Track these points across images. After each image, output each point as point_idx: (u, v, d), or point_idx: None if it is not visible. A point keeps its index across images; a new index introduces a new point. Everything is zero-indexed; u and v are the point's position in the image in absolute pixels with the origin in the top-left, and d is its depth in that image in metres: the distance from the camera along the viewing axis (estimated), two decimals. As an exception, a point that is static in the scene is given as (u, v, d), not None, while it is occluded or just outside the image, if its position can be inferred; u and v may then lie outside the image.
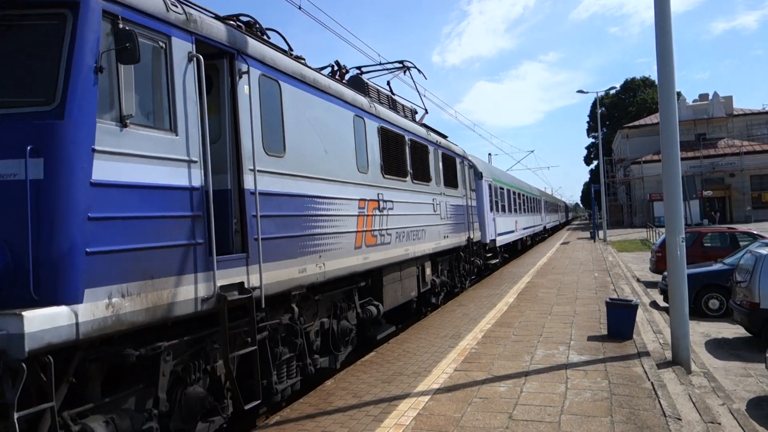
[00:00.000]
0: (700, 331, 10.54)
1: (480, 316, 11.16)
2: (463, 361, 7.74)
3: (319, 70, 7.86)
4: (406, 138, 10.39)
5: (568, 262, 22.31)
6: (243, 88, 5.41)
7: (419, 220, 10.63)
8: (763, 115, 56.23)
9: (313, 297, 6.92)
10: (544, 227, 42.24)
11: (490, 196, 18.81)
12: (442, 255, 12.94)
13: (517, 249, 27.22)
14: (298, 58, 7.19)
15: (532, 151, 55.55)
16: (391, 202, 9.21)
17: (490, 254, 19.05)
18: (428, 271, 11.64)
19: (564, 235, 48.58)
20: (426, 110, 13.77)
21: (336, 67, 9.42)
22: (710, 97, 57.40)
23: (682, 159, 8.78)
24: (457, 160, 14.77)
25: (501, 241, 20.40)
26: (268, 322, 5.75)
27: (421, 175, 11.15)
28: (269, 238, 5.62)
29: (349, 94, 8.15)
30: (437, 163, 12.54)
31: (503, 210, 21.79)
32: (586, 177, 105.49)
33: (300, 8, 9.84)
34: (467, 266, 15.55)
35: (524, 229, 28.43)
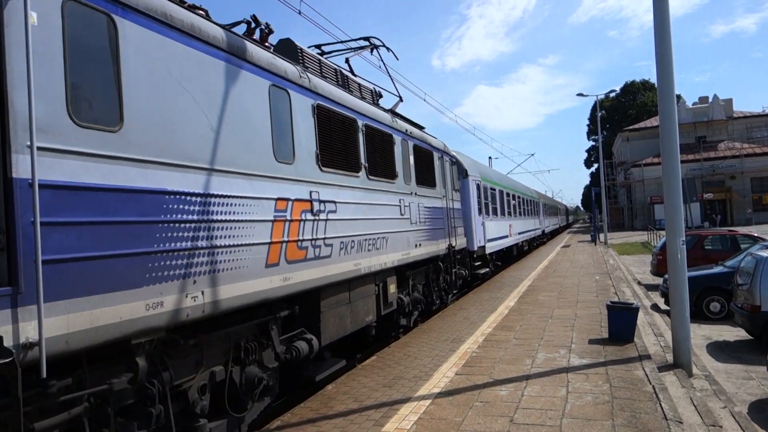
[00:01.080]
0: (702, 334, 10.52)
1: (481, 319, 11.15)
2: (464, 364, 7.73)
3: (229, 27, 5.85)
4: (360, 123, 8.23)
5: (569, 265, 22.29)
6: (14, 10, 3.38)
7: (378, 226, 8.52)
8: (763, 118, 56.27)
9: (189, 341, 4.81)
10: (543, 231, 40.16)
11: (479, 197, 16.94)
12: (415, 267, 10.87)
13: (512, 255, 25.18)
14: (193, 8, 5.23)
15: (532, 155, 55.53)
16: (334, 203, 7.15)
17: (478, 263, 17.24)
18: (392, 288, 9.51)
19: (565, 239, 48.54)
20: (400, 97, 11.83)
21: (253, 24, 6.68)
22: (710, 100, 57.49)
23: (683, 162, 8.80)
24: (435, 155, 12.53)
25: (492, 247, 18.42)
26: (85, 391, 3.84)
27: (382, 170, 8.98)
28: (72, 259, 3.59)
29: (264, 56, 5.96)
30: (407, 156, 10.35)
31: (495, 213, 19.75)
32: (587, 180, 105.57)
33: (300, 13, 9.87)
34: (449, 278, 13.30)
35: (520, 233, 26.08)
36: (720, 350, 9.48)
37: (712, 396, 6.57)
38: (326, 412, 6.16)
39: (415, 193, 10.58)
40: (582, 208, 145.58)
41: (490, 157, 73.59)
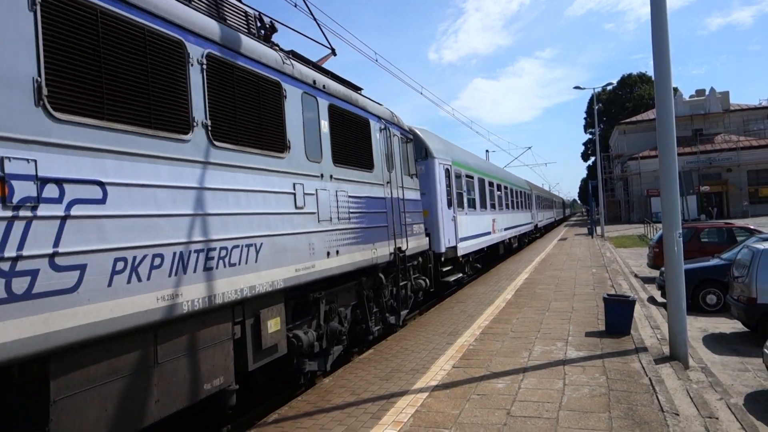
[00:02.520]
0: (698, 327, 10.56)
1: (478, 313, 11.16)
2: (461, 358, 7.75)
3: None
4: (194, 50, 5.05)
5: (566, 258, 22.33)
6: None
7: (236, 226, 5.38)
8: (760, 111, 56.37)
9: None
10: (536, 226, 36.47)
11: (449, 186, 13.91)
12: (332, 284, 7.64)
13: (498, 254, 22.18)
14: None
15: (529, 148, 55.41)
16: (97, 185, 3.93)
17: (449, 267, 14.11)
18: (275, 323, 6.09)
19: (561, 232, 48.62)
20: (332, 50, 9.18)
21: None
22: (707, 93, 57.54)
23: (679, 154, 8.78)
24: (374, 126, 9.12)
25: (467, 247, 15.42)
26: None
27: (250, 134, 5.81)
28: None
29: None
30: (313, 120, 7.17)
31: (472, 206, 16.64)
32: (584, 173, 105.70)
33: (296, 6, 9.80)
34: (400, 292, 9.97)
35: (507, 229, 22.96)
36: (716, 342, 9.52)
37: (708, 388, 6.60)
38: (324, 405, 6.17)
39: (332, 177, 7.35)
40: (579, 201, 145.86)
41: (487, 151, 73.67)
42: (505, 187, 23.64)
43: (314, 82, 7.28)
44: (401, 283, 9.97)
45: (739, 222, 23.35)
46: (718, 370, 7.84)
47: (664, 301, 9.36)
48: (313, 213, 6.79)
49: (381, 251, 8.90)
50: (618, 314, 8.74)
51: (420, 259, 11.45)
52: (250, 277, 5.49)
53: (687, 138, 52.51)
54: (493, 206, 20.19)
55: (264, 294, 5.74)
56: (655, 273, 15.73)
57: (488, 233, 18.77)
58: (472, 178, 16.91)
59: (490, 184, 20.03)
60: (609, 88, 58.11)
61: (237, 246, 5.35)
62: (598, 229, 38.92)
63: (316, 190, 6.94)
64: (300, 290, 6.70)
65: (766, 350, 6.90)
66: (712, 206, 49.25)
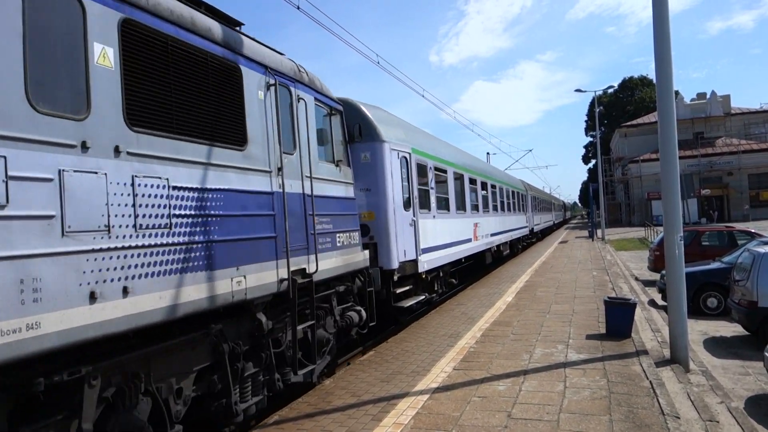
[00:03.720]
0: (699, 330, 10.55)
1: (479, 315, 11.16)
2: (461, 360, 7.75)
3: None
4: None
5: (567, 261, 22.32)
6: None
7: None
8: (760, 114, 56.36)
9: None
10: (532, 230, 32.67)
11: (407, 180, 10.70)
12: (147, 343, 4.54)
13: (484, 264, 18.99)
14: None
15: (530, 150, 55.55)
16: None
17: (406, 287, 10.75)
18: None
19: (562, 235, 48.60)
20: None
21: None
22: (708, 96, 57.55)
23: (680, 158, 8.78)
24: (253, 78, 5.99)
25: (435, 260, 12.02)
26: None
27: None
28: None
29: None
30: (74, 44, 3.91)
31: (444, 207, 13.38)
32: (585, 176, 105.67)
33: (299, 8, 9.84)
34: (311, 337, 6.86)
35: (494, 234, 19.71)
36: (717, 346, 9.51)
37: (708, 391, 6.59)
38: (324, 407, 6.17)
39: (123, 150, 4.22)
40: (580, 204, 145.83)
41: (488, 153, 73.63)
42: (493, 186, 20.52)
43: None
44: (304, 325, 6.47)
45: (739, 225, 23.34)
46: (718, 373, 7.84)
47: (665, 304, 9.36)
48: (44, 217, 3.53)
49: (259, 278, 5.65)
50: (619, 317, 8.74)
51: (358, 281, 8.48)
52: None
53: (688, 141, 52.51)
54: (475, 208, 17.01)
55: None
56: (656, 276, 15.73)
57: (467, 240, 15.37)
58: (444, 172, 13.60)
59: (472, 181, 16.93)
60: (610, 91, 58.28)
61: None
62: (599, 231, 38.92)
63: (61, 172, 3.66)
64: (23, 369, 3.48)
65: (766, 354, 6.89)
66: (712, 209, 49.21)
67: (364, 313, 8.31)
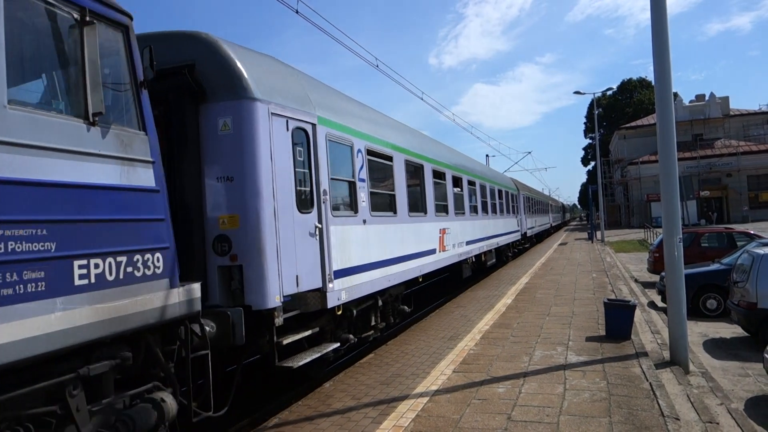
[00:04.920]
0: (698, 331, 10.55)
1: (478, 317, 11.16)
2: (461, 362, 7.74)
3: None
4: None
5: (566, 263, 22.32)
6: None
7: None
8: (759, 116, 56.42)
9: None
10: (524, 235, 28.70)
11: (309, 165, 7.06)
12: None
13: (461, 279, 15.87)
14: None
15: (529, 153, 55.53)
16: None
17: (306, 332, 6.92)
18: None
19: (561, 237, 48.58)
20: None
21: None
22: (707, 98, 57.61)
23: (679, 159, 8.79)
24: None
25: (364, 285, 8.33)
26: None
27: None
28: None
29: None
30: None
31: (388, 208, 9.77)
32: (584, 178, 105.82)
33: (297, 12, 9.85)
34: None
35: (472, 242, 15.96)
36: (716, 347, 9.51)
37: (708, 393, 6.59)
38: (324, 409, 6.16)
39: None
40: (579, 206, 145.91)
41: (487, 155, 73.70)
42: (472, 183, 16.74)
43: None
44: None
45: (739, 227, 23.36)
46: (718, 375, 7.84)
47: (665, 305, 9.38)
48: None
49: None
50: (618, 319, 8.74)
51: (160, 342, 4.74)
52: None
53: (687, 143, 52.54)
54: (443, 209, 13.18)
55: None
56: (656, 278, 15.74)
57: (429, 252, 11.70)
58: (388, 159, 9.82)
59: (438, 175, 13.02)
60: (609, 93, 58.34)
61: None
62: (598, 233, 38.95)
63: None
64: None
65: (766, 355, 6.90)
66: (712, 211, 49.24)
67: (171, 404, 4.51)
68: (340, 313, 7.64)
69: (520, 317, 10.87)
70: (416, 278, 10.98)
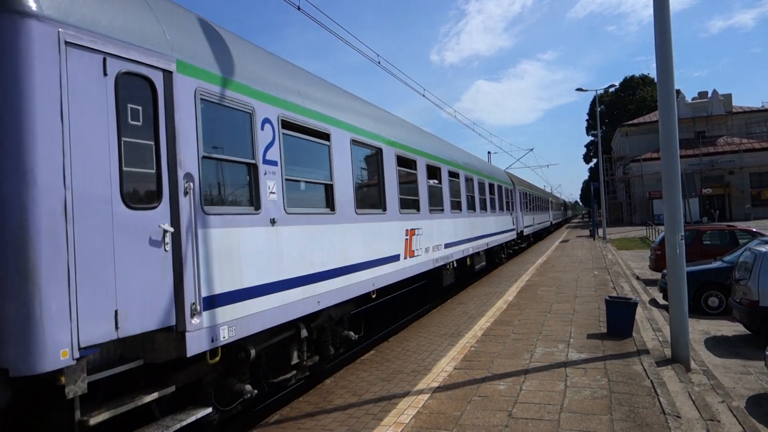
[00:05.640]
0: (700, 329, 10.54)
1: (479, 314, 11.16)
2: (462, 359, 7.75)
3: None
4: None
5: (568, 260, 22.31)
6: None
7: None
8: (762, 113, 56.27)
9: None
10: (520, 233, 26.45)
11: (155, 131, 4.62)
12: None
13: (441, 287, 13.46)
14: None
15: (531, 149, 55.41)
16: None
17: (149, 396, 4.40)
18: None
19: (563, 234, 48.55)
20: None
21: None
22: (709, 95, 57.47)
23: (682, 157, 8.78)
24: None
25: (267, 315, 5.78)
26: None
27: None
28: None
29: None
30: None
31: (322, 203, 7.41)
32: (586, 175, 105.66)
33: (299, 9, 9.83)
34: None
35: (454, 244, 13.64)
36: (718, 345, 9.50)
37: (710, 391, 6.59)
38: (325, 406, 6.17)
39: None
40: (581, 203, 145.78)
41: (489, 152, 73.59)
42: (454, 175, 14.38)
43: None
44: None
45: (741, 224, 23.33)
46: (720, 372, 7.83)
47: (666, 303, 9.37)
48: None
49: None
50: (620, 316, 8.73)
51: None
52: None
53: (689, 140, 52.47)
54: (412, 205, 10.94)
55: None
56: (657, 275, 15.72)
57: (391, 258, 9.48)
58: (324, 138, 7.45)
59: (407, 163, 10.89)
60: (611, 90, 58.19)
61: None
62: (600, 231, 38.90)
63: None
64: None
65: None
66: (714, 209, 49.20)
67: None
68: (217, 360, 5.25)
69: (521, 314, 10.87)
70: (368, 294, 8.63)
